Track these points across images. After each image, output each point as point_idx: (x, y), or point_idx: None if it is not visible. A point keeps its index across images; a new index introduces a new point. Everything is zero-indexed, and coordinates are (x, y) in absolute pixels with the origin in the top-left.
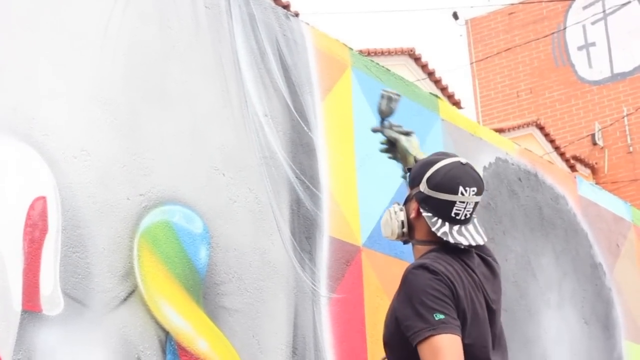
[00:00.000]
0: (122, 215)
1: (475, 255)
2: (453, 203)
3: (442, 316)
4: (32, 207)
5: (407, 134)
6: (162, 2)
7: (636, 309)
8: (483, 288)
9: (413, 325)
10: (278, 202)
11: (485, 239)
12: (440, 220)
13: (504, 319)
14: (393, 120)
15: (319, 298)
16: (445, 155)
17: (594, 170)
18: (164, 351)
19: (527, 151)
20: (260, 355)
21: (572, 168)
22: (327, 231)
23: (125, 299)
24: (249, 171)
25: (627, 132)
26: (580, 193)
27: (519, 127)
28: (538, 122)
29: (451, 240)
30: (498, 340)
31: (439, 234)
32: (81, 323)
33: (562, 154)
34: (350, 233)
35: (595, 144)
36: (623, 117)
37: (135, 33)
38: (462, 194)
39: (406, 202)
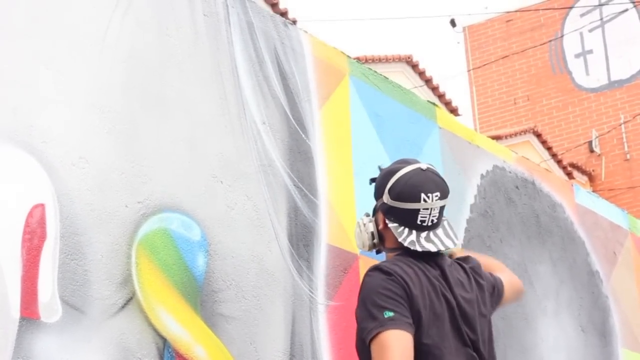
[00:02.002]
0: (120, 222)
1: (447, 258)
2: (417, 211)
3: (391, 313)
4: (30, 214)
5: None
6: (160, 10)
7: (633, 316)
8: (451, 291)
9: (365, 325)
10: (276, 210)
11: (457, 242)
12: (406, 230)
13: (502, 326)
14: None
15: (316, 305)
16: (406, 162)
17: (591, 178)
18: (161, 358)
19: (524, 159)
20: None
21: (569, 175)
22: (324, 239)
23: (123, 306)
24: (247, 179)
25: (624, 140)
26: (578, 201)
27: (516, 134)
28: (535, 130)
29: (419, 249)
30: (486, 345)
31: (405, 244)
32: (79, 330)
33: (559, 161)
34: (347, 241)
35: (592, 151)
36: (620, 125)
37: (134, 41)
38: (424, 200)
39: (374, 213)
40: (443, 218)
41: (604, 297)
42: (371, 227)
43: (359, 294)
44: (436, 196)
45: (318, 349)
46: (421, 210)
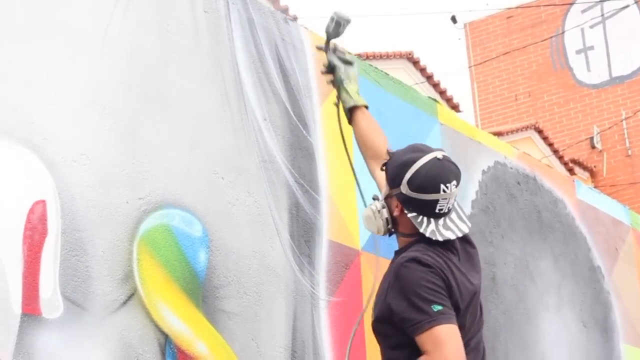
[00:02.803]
0: (122, 218)
1: (457, 246)
2: (436, 201)
3: (440, 307)
4: (31, 210)
5: (347, 62)
6: (161, 7)
7: (635, 312)
8: (469, 278)
9: (411, 317)
10: (277, 206)
11: (469, 225)
12: (425, 219)
13: (504, 322)
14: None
15: (318, 301)
16: (421, 151)
17: (592, 174)
18: (163, 354)
19: (525, 155)
20: (259, 358)
21: (571, 171)
22: (326, 235)
23: (124, 302)
24: (248, 175)
25: (626, 136)
26: (579, 197)
27: (517, 130)
28: (536, 126)
29: (440, 239)
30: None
31: (427, 234)
32: (81, 326)
33: (560, 158)
34: (349, 237)
35: (593, 147)
36: (621, 121)
37: (135, 38)
38: (444, 191)
39: (386, 198)
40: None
41: (606, 292)
42: (385, 214)
43: (396, 284)
44: (454, 185)
45: (320, 344)
46: (440, 200)
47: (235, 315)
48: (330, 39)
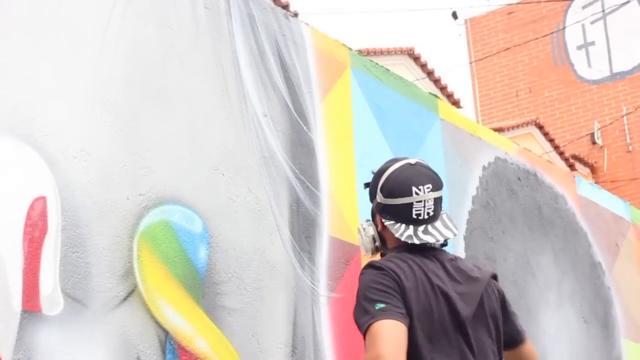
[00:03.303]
0: (122, 215)
1: (449, 254)
2: (410, 205)
3: (382, 305)
4: (32, 207)
5: None
6: (161, 3)
7: (635, 307)
8: (450, 284)
9: (360, 320)
10: (277, 202)
11: (456, 232)
12: (403, 225)
13: None
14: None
15: (318, 297)
16: (395, 160)
17: (593, 170)
18: (163, 351)
19: (526, 150)
20: (260, 354)
21: (572, 167)
22: (326, 231)
23: (125, 299)
24: (249, 171)
25: (627, 131)
26: (580, 192)
27: (518, 126)
28: (537, 122)
29: (416, 242)
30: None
31: (403, 238)
32: (81, 323)
33: (561, 153)
34: (349, 232)
35: (594, 143)
36: (622, 116)
37: (135, 33)
38: (416, 193)
39: (373, 217)
40: (442, 212)
41: (606, 288)
42: (371, 231)
43: (357, 293)
44: (428, 188)
45: (320, 340)
46: (414, 203)
47: (236, 311)
48: None
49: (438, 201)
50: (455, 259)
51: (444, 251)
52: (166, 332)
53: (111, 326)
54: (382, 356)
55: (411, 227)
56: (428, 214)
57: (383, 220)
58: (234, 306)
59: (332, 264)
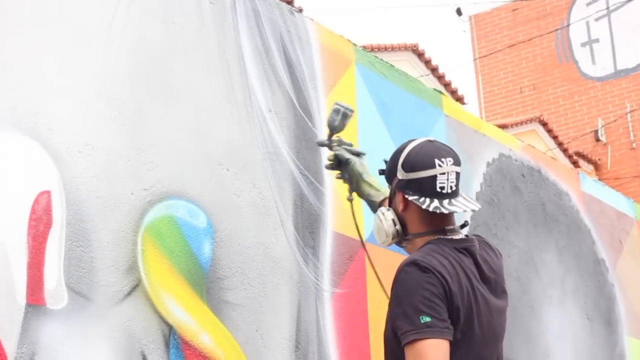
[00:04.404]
0: (126, 209)
1: (476, 242)
2: (434, 177)
3: (428, 319)
4: (36, 201)
5: (358, 154)
6: None
7: (638, 304)
8: (484, 284)
9: (400, 325)
10: (282, 198)
11: (479, 206)
12: (427, 199)
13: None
14: (343, 135)
15: (322, 293)
16: (412, 140)
17: (597, 167)
18: (167, 345)
19: (530, 147)
20: (264, 349)
21: (575, 164)
22: (330, 226)
23: (129, 293)
24: (253, 166)
25: (630, 129)
26: (584, 189)
27: (522, 123)
28: (541, 118)
29: (445, 211)
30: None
31: (430, 209)
32: (85, 317)
33: (565, 150)
34: (353, 228)
35: (598, 140)
36: (626, 114)
37: (140, 29)
38: (439, 165)
39: (391, 202)
40: (459, 188)
41: (610, 285)
42: (391, 215)
43: (394, 287)
44: (450, 161)
45: (323, 336)
46: (438, 175)
47: (240, 306)
48: (335, 132)
49: (459, 176)
50: (479, 247)
51: (472, 240)
52: (170, 327)
53: (115, 320)
54: None
55: (436, 200)
56: (451, 187)
57: (406, 196)
58: (237, 301)
59: (336, 260)
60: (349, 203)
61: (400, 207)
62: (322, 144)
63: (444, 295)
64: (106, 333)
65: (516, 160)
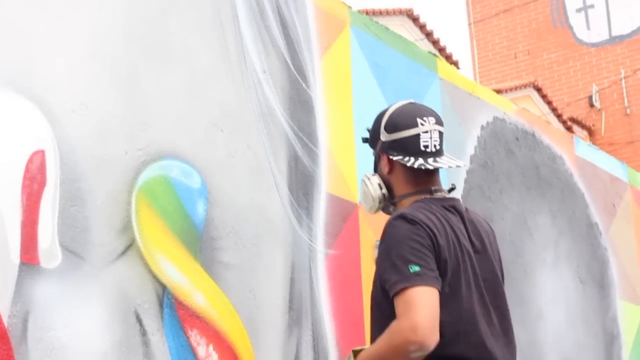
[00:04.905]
0: (121, 169)
1: (462, 203)
2: (418, 136)
3: (417, 268)
4: (30, 160)
5: None
6: None
7: (631, 269)
8: (470, 240)
9: (389, 278)
10: (276, 159)
11: (464, 163)
12: (412, 158)
13: None
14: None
15: (315, 254)
16: (393, 104)
17: (590, 132)
18: (161, 305)
19: (524, 111)
20: (257, 310)
21: (569, 130)
22: (324, 188)
23: (122, 253)
24: (247, 127)
25: (625, 95)
26: (578, 153)
27: (516, 88)
28: (535, 84)
29: (430, 167)
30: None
31: (416, 166)
32: (79, 276)
33: (559, 116)
34: (347, 190)
35: (592, 106)
36: (621, 80)
37: None
38: (422, 124)
39: (376, 167)
40: (444, 148)
41: (603, 249)
42: (376, 179)
43: (382, 243)
44: (432, 120)
45: (317, 296)
46: (421, 134)
47: (233, 266)
48: None
49: (442, 136)
50: (466, 209)
51: (458, 200)
52: (164, 287)
53: (109, 280)
54: (419, 327)
55: (420, 158)
56: (435, 146)
57: (390, 157)
58: (231, 262)
59: (330, 221)
60: (344, 165)
61: (385, 170)
62: None
63: (432, 247)
64: (100, 292)
65: (510, 124)
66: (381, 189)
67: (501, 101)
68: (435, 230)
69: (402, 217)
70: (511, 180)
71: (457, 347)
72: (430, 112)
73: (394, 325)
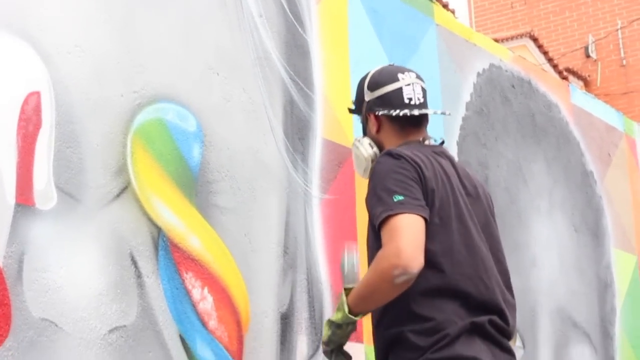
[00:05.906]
0: (116, 111)
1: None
2: (400, 89)
3: (400, 197)
4: (26, 101)
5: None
6: None
7: (625, 217)
8: (460, 181)
9: (375, 211)
10: (272, 103)
11: (449, 112)
12: (398, 110)
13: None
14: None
15: (310, 199)
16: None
17: (586, 83)
18: (156, 247)
19: (521, 58)
20: (252, 253)
21: (565, 80)
22: (320, 133)
23: (118, 195)
24: (243, 71)
25: (621, 45)
26: (573, 101)
27: (512, 38)
28: (532, 34)
29: (416, 113)
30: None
31: (401, 114)
32: (74, 217)
33: (555, 66)
34: (343, 135)
35: (588, 56)
36: (617, 30)
37: None
38: (402, 78)
39: (364, 131)
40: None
41: (598, 197)
42: (366, 140)
43: (370, 180)
44: (412, 75)
45: (312, 241)
46: (404, 87)
47: (228, 210)
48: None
49: (425, 92)
50: (458, 162)
51: (446, 149)
52: (159, 229)
53: (104, 222)
54: (402, 251)
55: (406, 109)
56: (418, 99)
57: (377, 113)
58: (226, 205)
59: (325, 166)
60: (340, 111)
61: (374, 129)
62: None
63: (418, 179)
64: (95, 234)
65: (506, 71)
66: (372, 147)
67: (497, 48)
68: (422, 164)
69: (388, 154)
70: (506, 127)
71: (453, 278)
72: (410, 70)
73: (379, 253)
